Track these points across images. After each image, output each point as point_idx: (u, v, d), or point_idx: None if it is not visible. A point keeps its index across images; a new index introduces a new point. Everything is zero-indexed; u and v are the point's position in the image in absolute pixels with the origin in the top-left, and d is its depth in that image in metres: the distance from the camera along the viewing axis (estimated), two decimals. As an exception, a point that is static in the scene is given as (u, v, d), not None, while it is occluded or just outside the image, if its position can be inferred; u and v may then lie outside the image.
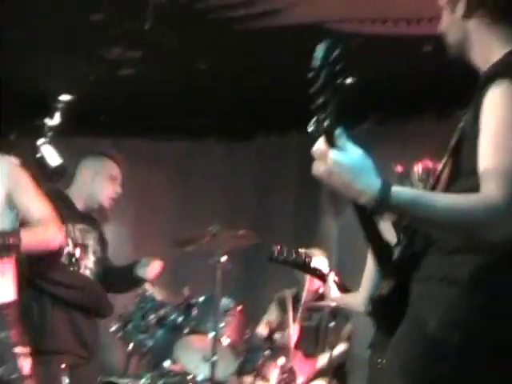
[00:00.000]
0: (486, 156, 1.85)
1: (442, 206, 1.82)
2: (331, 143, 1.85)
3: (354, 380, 5.70)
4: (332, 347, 4.79)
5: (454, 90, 4.29)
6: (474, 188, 1.86)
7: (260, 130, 7.04)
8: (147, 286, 4.89)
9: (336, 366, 4.94)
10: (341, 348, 5.15)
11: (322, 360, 4.96)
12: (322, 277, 3.84)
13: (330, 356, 4.67)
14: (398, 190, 1.83)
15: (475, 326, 1.88)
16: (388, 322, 2.11)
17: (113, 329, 4.84)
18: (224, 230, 4.61)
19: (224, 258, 4.54)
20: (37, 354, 3.38)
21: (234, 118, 6.89)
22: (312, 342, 5.12)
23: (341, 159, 1.84)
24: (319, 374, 5.00)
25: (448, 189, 2.07)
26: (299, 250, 3.44)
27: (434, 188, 2.17)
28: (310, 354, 5.04)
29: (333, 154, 1.84)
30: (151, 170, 7.11)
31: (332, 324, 4.75)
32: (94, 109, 6.52)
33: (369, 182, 1.83)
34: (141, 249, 6.90)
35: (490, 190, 1.80)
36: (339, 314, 4.97)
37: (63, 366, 3.75)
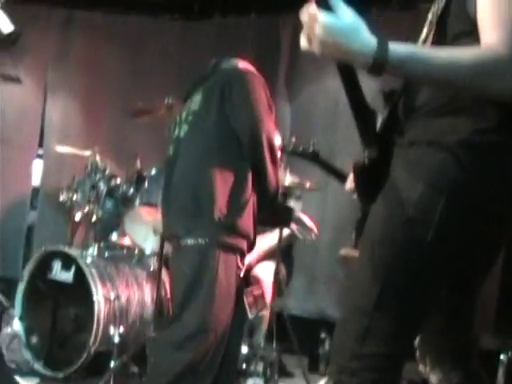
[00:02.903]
0: (486, 8, 1.80)
1: (444, 58, 1.77)
2: (320, 6, 1.77)
3: (300, 267, 5.76)
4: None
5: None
6: None
7: (217, 10, 6.85)
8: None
9: (284, 246, 4.91)
10: (292, 226, 5.12)
11: (272, 238, 4.93)
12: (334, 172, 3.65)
13: (280, 236, 4.64)
14: (396, 46, 1.77)
15: (462, 193, 1.85)
16: (370, 190, 2.05)
17: (61, 198, 4.76)
18: (179, 104, 4.47)
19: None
20: None
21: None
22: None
23: (332, 22, 1.76)
24: (268, 255, 4.98)
25: None
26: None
27: None
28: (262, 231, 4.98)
29: (322, 18, 1.76)
30: (104, 42, 6.90)
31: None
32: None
33: (364, 42, 1.77)
34: (91, 119, 6.79)
35: (492, 40, 1.75)
36: (291, 193, 4.93)
37: None
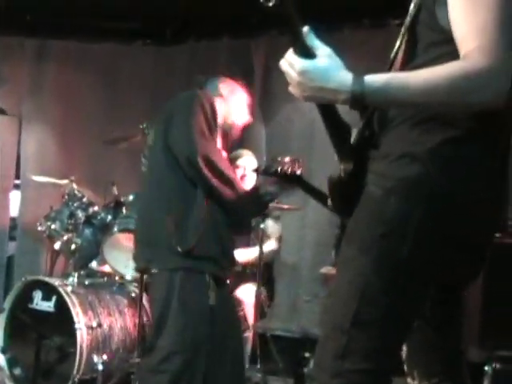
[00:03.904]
0: (460, 18, 1.80)
1: (420, 81, 1.78)
2: (297, 47, 1.85)
3: (282, 286, 5.77)
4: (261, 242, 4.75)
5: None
6: (434, 60, 1.83)
7: (190, 34, 6.88)
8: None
9: (264, 265, 4.91)
10: (271, 245, 5.14)
11: (252, 252, 4.92)
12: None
13: (260, 258, 4.65)
14: (372, 77, 1.82)
15: (435, 205, 1.86)
16: (346, 205, 2.06)
17: (40, 227, 4.75)
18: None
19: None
20: None
21: (164, 21, 6.74)
22: (243, 242, 5.08)
23: (307, 66, 1.84)
24: (248, 279, 4.98)
25: (404, 69, 2.00)
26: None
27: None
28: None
29: (299, 64, 1.84)
30: (79, 71, 6.91)
31: (262, 225, 4.72)
32: (20, 7, 6.25)
33: (341, 79, 1.83)
34: (67, 148, 6.78)
35: (471, 53, 1.75)
36: (270, 214, 4.96)
37: None
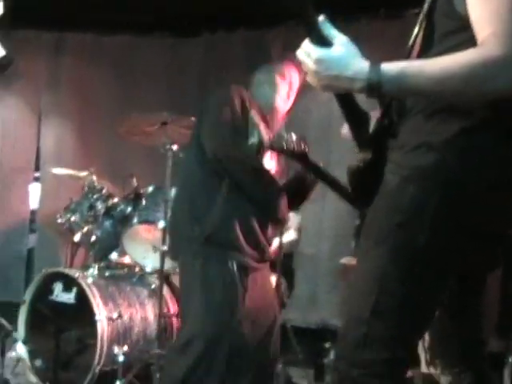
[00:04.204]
0: (477, 4, 1.79)
1: (436, 69, 1.78)
2: (313, 37, 1.85)
3: (301, 277, 5.77)
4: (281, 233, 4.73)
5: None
6: (452, 48, 1.82)
7: (206, 26, 6.87)
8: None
9: (284, 255, 4.90)
10: (291, 236, 5.13)
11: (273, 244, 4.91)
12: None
13: (280, 249, 4.64)
14: (388, 65, 1.82)
15: (452, 195, 1.86)
16: (366, 194, 2.06)
17: (59, 219, 4.77)
18: (173, 119, 4.48)
19: (175, 147, 4.41)
20: None
21: (180, 13, 6.72)
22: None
23: (323, 55, 1.84)
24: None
25: (421, 58, 1.98)
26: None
27: None
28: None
29: (315, 53, 1.84)
30: (96, 64, 6.93)
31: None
32: (36, 1, 6.25)
33: (357, 68, 1.83)
34: (85, 141, 6.81)
35: (487, 40, 1.74)
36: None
37: None
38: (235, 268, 3.26)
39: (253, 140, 3.35)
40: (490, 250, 2.03)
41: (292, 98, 3.61)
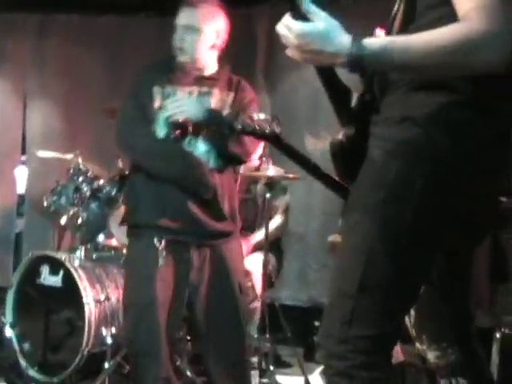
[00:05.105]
0: None
1: (420, 43, 1.75)
2: (295, 13, 1.83)
3: (290, 256, 5.76)
4: (268, 219, 4.74)
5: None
6: (433, 22, 1.79)
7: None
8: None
9: (272, 240, 4.91)
10: (277, 221, 5.12)
11: (259, 235, 4.92)
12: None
13: (266, 228, 4.62)
14: (371, 39, 1.80)
15: (435, 162, 1.84)
16: (349, 170, 2.05)
17: (46, 203, 4.75)
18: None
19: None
20: None
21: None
22: (251, 214, 5.07)
23: (305, 29, 1.81)
24: (256, 248, 4.97)
25: (402, 33, 1.95)
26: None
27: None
28: (249, 227, 4.96)
29: (296, 27, 1.81)
30: (81, 45, 6.85)
31: (268, 195, 4.67)
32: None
33: (339, 42, 1.80)
34: (72, 123, 6.76)
35: (468, 14, 1.72)
36: (276, 185, 4.93)
37: None
38: (159, 244, 3.40)
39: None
40: (474, 226, 2.01)
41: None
